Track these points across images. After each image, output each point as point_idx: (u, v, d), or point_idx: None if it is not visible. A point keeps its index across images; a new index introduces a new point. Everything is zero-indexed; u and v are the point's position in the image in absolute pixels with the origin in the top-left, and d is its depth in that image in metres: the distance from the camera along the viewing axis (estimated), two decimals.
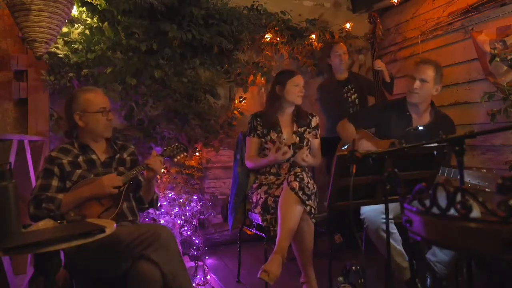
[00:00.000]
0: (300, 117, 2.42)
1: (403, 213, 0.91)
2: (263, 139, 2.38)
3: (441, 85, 2.24)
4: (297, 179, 2.02)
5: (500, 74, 2.46)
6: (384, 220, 1.95)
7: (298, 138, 2.37)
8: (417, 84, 2.19)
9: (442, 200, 0.80)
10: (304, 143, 2.38)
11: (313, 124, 2.46)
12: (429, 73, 2.18)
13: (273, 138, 2.36)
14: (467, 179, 1.82)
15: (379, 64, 2.89)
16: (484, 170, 1.90)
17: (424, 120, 2.27)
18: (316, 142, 2.47)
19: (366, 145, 2.32)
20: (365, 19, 3.74)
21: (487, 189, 1.86)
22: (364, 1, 3.69)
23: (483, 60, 2.56)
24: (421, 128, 2.22)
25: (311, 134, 2.43)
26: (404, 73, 3.31)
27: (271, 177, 2.33)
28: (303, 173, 2.07)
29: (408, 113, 2.28)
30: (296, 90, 2.34)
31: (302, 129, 2.41)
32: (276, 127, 2.37)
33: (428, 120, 2.26)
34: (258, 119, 2.41)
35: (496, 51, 2.38)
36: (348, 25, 3.58)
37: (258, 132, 2.39)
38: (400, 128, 2.25)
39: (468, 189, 0.77)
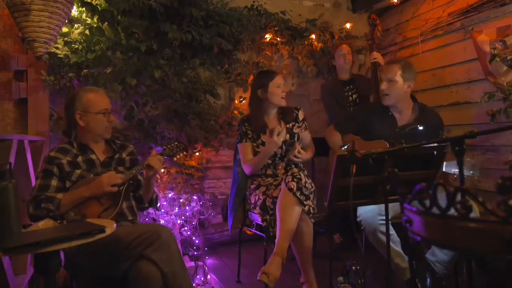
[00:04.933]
0: (286, 114, 2.39)
1: (403, 213, 0.91)
2: (254, 144, 2.35)
3: (413, 81, 2.23)
4: (295, 180, 2.01)
5: (500, 74, 2.46)
6: (380, 222, 1.95)
7: (288, 135, 2.34)
8: (384, 84, 2.21)
9: (442, 200, 0.80)
10: (295, 138, 2.36)
11: (300, 117, 2.43)
12: (395, 71, 2.19)
13: (264, 141, 2.32)
14: (451, 170, 1.82)
15: (375, 55, 2.92)
16: (468, 158, 1.90)
17: (408, 118, 2.27)
18: (306, 134, 2.45)
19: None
20: (365, 19, 3.76)
21: (475, 177, 1.86)
22: (364, 1, 3.69)
23: (483, 60, 2.56)
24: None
25: (300, 128, 2.41)
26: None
27: (269, 178, 2.32)
28: (301, 173, 2.06)
29: (390, 114, 2.28)
30: (279, 91, 2.31)
31: (291, 124, 2.39)
32: (264, 129, 2.34)
33: (412, 118, 2.26)
34: (246, 124, 2.38)
35: (496, 51, 2.38)
36: (348, 25, 3.58)
37: (249, 136, 2.36)
38: (385, 129, 2.25)
39: (468, 188, 0.77)
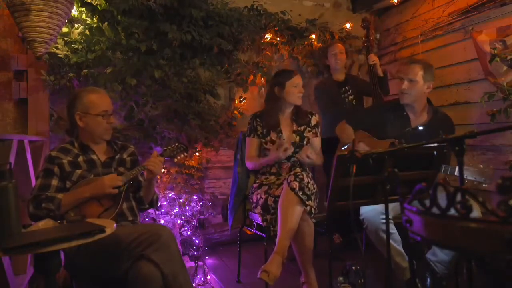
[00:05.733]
0: (299, 116, 2.41)
1: (403, 213, 0.91)
2: (263, 140, 2.37)
3: (432, 82, 2.23)
4: (297, 179, 2.01)
5: (500, 74, 2.46)
6: (383, 221, 1.95)
7: (298, 137, 2.37)
8: (405, 84, 2.21)
9: (442, 200, 0.80)
10: (305, 142, 2.37)
11: (313, 122, 2.44)
12: (417, 71, 2.19)
13: (273, 138, 2.36)
14: (464, 175, 1.81)
15: (373, 58, 2.94)
16: (481, 166, 1.90)
17: (422, 120, 2.27)
18: (317, 141, 2.45)
19: (362, 147, 2.32)
20: None
21: (484, 185, 1.87)
22: (364, 1, 3.69)
23: (483, 60, 2.56)
24: (421, 128, 2.22)
25: (311, 132, 2.42)
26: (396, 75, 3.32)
27: (272, 177, 2.33)
28: (303, 173, 2.06)
29: (405, 113, 2.28)
30: (295, 91, 2.33)
31: (302, 128, 2.40)
32: (276, 127, 2.37)
33: (426, 119, 2.26)
34: (258, 119, 2.40)
35: (496, 51, 2.38)
36: (348, 25, 3.58)
37: (258, 132, 2.38)
38: (398, 129, 2.25)
39: (468, 188, 0.77)
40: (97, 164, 1.85)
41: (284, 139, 2.34)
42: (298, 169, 2.13)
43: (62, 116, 2.62)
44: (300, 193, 1.97)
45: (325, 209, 2.14)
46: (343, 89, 3.08)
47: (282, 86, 2.33)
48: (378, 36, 3.78)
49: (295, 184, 1.99)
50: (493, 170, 1.90)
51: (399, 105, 2.30)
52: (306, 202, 1.99)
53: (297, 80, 2.34)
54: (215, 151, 3.07)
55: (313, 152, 2.27)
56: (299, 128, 2.40)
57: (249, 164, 2.37)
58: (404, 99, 2.25)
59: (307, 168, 2.41)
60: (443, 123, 2.23)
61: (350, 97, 3.08)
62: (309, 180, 2.05)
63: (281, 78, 2.36)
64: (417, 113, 2.27)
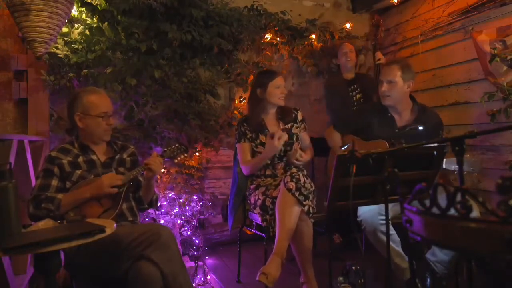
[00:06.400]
0: (285, 114, 2.39)
1: (403, 213, 0.91)
2: (253, 144, 2.35)
3: (413, 81, 2.24)
4: (294, 180, 2.01)
5: (500, 74, 2.46)
6: (381, 222, 1.95)
7: (287, 136, 2.36)
8: (384, 86, 2.22)
9: (442, 200, 0.80)
10: (294, 139, 2.36)
11: (299, 118, 2.43)
12: (395, 72, 2.19)
13: (262, 141, 2.33)
14: (451, 166, 1.81)
15: (379, 56, 2.96)
16: (468, 155, 1.90)
17: (407, 119, 2.27)
18: (305, 135, 2.46)
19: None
20: (365, 19, 3.76)
21: (475, 174, 1.86)
22: (364, 1, 3.69)
23: (483, 60, 2.56)
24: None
25: (299, 128, 2.41)
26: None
27: (268, 179, 2.32)
28: (299, 173, 2.06)
29: (389, 115, 2.28)
30: (277, 92, 2.31)
31: (289, 125, 2.39)
32: (263, 129, 2.35)
33: (412, 118, 2.26)
34: (245, 124, 2.38)
35: (496, 51, 2.38)
36: (348, 25, 3.58)
37: (248, 136, 2.36)
38: (385, 130, 2.25)
39: (468, 189, 0.77)
40: (97, 164, 1.85)
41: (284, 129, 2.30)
42: (294, 169, 2.13)
43: (62, 116, 2.62)
44: (297, 194, 1.97)
45: (324, 209, 2.15)
46: (352, 87, 3.12)
47: (264, 87, 2.31)
48: None
49: (292, 185, 1.99)
50: (479, 158, 1.90)
51: (382, 106, 2.30)
52: (304, 202, 1.98)
53: (279, 81, 2.32)
54: (215, 151, 3.07)
55: (302, 153, 2.28)
56: (286, 126, 2.38)
57: (246, 169, 2.34)
58: (385, 101, 2.26)
59: (302, 166, 2.41)
60: (430, 122, 2.24)
61: (358, 95, 3.11)
62: (306, 180, 2.05)
63: (263, 79, 2.34)
64: (401, 113, 2.28)
